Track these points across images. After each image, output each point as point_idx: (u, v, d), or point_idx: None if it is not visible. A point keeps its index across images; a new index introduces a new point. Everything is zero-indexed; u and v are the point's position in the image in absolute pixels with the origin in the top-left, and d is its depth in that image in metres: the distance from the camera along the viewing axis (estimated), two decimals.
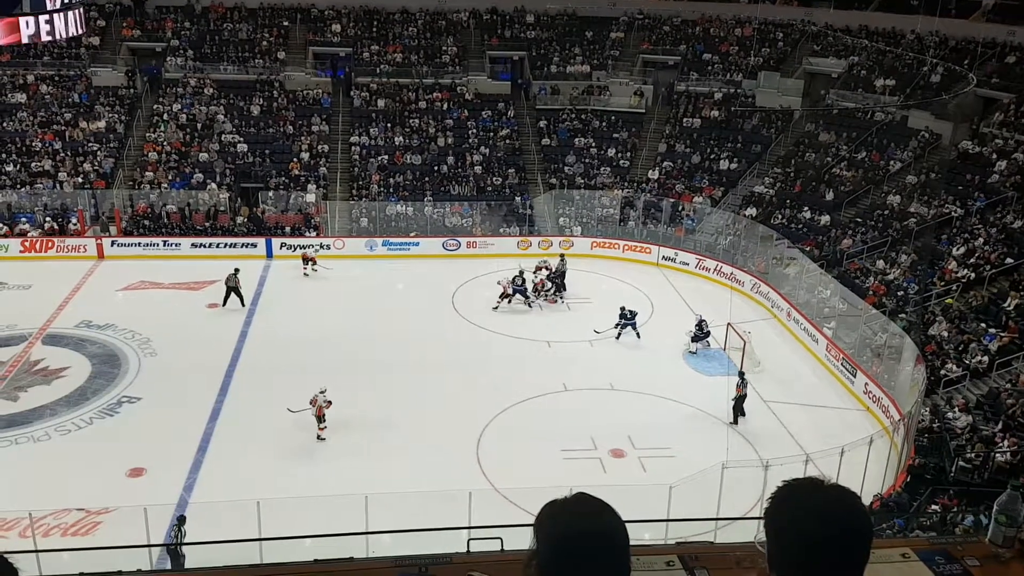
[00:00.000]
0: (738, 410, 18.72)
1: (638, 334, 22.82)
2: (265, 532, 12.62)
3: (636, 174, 33.08)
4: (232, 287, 23.92)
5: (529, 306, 24.93)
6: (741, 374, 19.07)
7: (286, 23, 36.69)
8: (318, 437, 17.67)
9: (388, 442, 17.61)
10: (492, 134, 33.90)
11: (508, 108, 35.04)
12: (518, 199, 31.60)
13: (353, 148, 32.81)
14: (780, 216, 29.31)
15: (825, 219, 28.45)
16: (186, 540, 13.62)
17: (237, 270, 24.17)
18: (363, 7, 37.58)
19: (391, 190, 31.36)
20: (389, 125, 33.55)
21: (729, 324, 22.12)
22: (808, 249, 26.78)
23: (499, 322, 23.65)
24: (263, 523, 12.91)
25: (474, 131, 33.83)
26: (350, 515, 12.84)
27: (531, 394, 19.79)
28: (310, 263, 26.61)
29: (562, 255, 27.14)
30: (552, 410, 19.30)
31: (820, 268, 25.15)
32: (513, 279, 24.92)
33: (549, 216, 31.42)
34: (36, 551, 12.63)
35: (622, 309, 23.08)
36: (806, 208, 29.28)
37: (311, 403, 17.66)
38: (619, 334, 22.86)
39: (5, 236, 27.55)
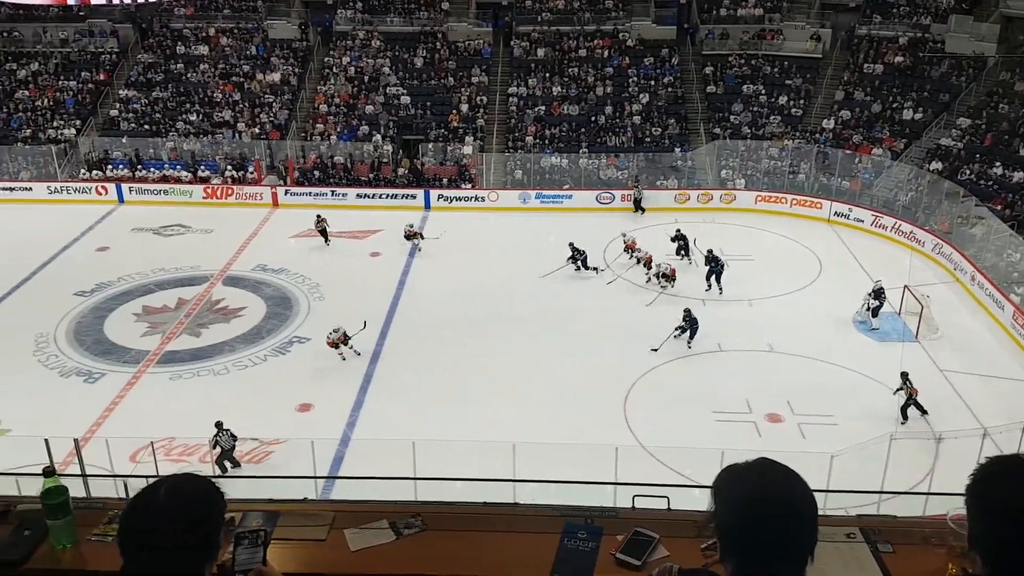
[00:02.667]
0: (907, 412, 16.60)
1: (720, 288, 22.02)
2: (418, 472, 13.01)
3: (809, 123, 31.10)
4: (321, 230, 25.53)
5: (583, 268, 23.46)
6: (904, 375, 16.61)
7: None
8: (342, 357, 18.94)
9: (535, 393, 17.67)
10: (653, 82, 32.83)
11: (672, 54, 33.75)
12: (678, 150, 30.54)
13: (511, 99, 32.75)
14: (968, 171, 26.70)
15: (1019, 176, 25.63)
16: (229, 447, 14.67)
17: (319, 216, 25.81)
18: None
19: (547, 142, 31.14)
20: (547, 75, 33.19)
21: (906, 287, 20.51)
22: (998, 208, 24.28)
23: (654, 277, 23.04)
24: (416, 463, 13.31)
25: (635, 79, 32.86)
26: (495, 462, 12.97)
27: (683, 352, 19.23)
28: (416, 238, 25.23)
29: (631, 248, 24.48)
30: (705, 370, 18.69)
31: (1010, 229, 22.75)
32: (573, 255, 23.36)
33: (710, 168, 30.18)
34: (214, 476, 13.65)
35: (709, 252, 22.35)
36: (997, 163, 26.47)
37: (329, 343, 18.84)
38: (708, 286, 22.28)
39: (190, 183, 29.68)
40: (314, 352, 19.52)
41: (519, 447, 13.16)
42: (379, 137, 31.15)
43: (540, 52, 33.93)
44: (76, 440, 13.26)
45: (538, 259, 23.95)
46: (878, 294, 20.41)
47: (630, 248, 23.81)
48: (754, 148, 30.18)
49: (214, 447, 15.06)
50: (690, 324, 19.21)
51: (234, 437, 15.15)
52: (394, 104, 32.41)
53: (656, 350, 18.90)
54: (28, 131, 31.33)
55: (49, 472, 2.87)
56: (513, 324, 20.73)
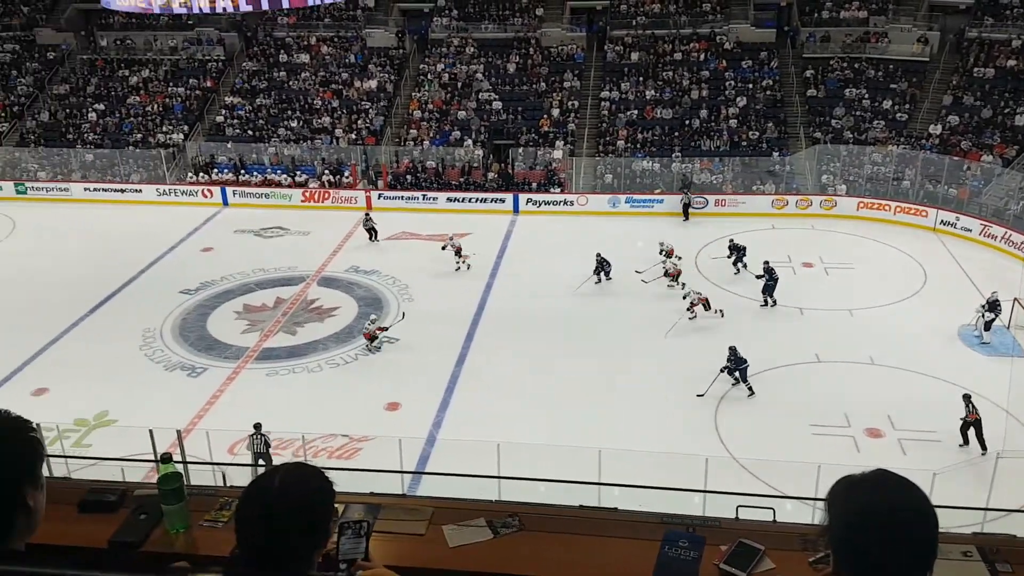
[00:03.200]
0: (967, 435, 15.60)
1: (773, 300, 21.31)
2: (503, 473, 13.01)
3: (915, 128, 29.82)
4: (368, 227, 26.33)
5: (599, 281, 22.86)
6: (967, 398, 15.62)
7: None
8: (370, 350, 19.65)
9: (621, 400, 17.46)
10: (751, 85, 32.11)
11: (771, 57, 32.95)
12: (776, 154, 29.74)
13: (603, 103, 32.59)
14: None
15: None
16: (262, 451, 14.77)
17: (367, 214, 26.79)
18: None
19: (638, 146, 30.83)
20: (641, 79, 32.88)
21: (1016, 300, 19.39)
22: None
23: (748, 287, 22.51)
24: (501, 464, 13.32)
25: (731, 82, 32.21)
26: (580, 467, 12.86)
27: (779, 363, 18.67)
28: (459, 255, 24.18)
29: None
30: (802, 381, 18.10)
31: None
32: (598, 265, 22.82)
33: (810, 173, 29.28)
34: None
35: (766, 264, 21.66)
36: None
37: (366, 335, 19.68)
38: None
39: (289, 187, 30.63)
40: (403, 352, 19.83)
41: (605, 453, 13.02)
42: (470, 142, 31.46)
43: (634, 56, 33.65)
44: (179, 431, 13.81)
45: (626, 263, 23.71)
46: (993, 306, 19.35)
47: (669, 254, 23.28)
48: (856, 153, 29.13)
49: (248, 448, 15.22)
50: (736, 364, 17.56)
51: (268, 444, 15.11)
52: (486, 109, 32.70)
53: (701, 395, 17.44)
54: (139, 135, 32.95)
55: (166, 459, 2.98)
56: (602, 328, 20.59)
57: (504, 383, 18.33)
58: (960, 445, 15.56)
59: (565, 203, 28.94)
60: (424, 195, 29.71)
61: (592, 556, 2.51)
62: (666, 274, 22.58)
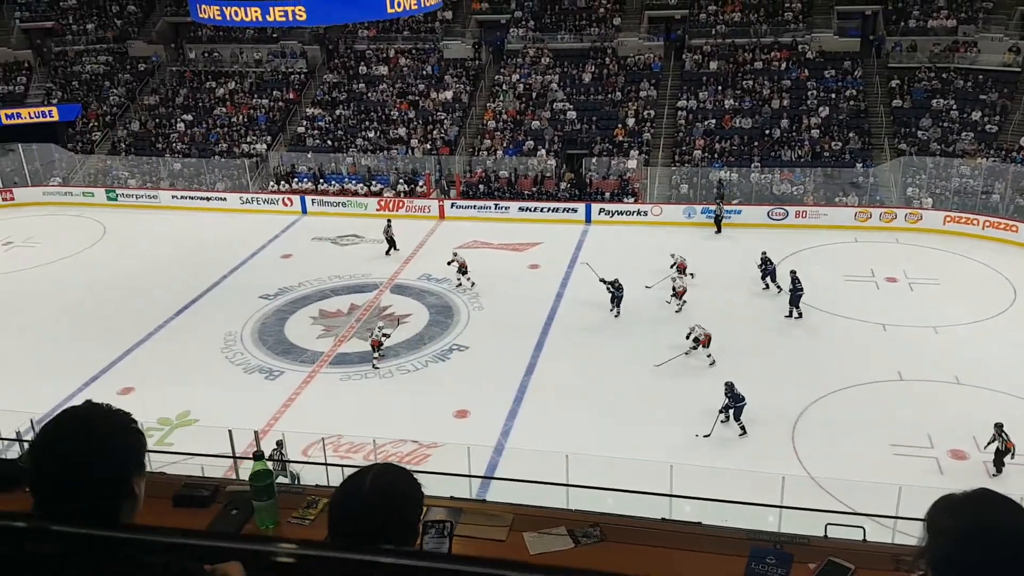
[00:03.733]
0: (999, 464, 14.98)
1: (799, 312, 20.59)
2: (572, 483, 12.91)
3: (1006, 140, 28.57)
4: (389, 237, 26.27)
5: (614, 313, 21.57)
6: (998, 427, 14.93)
7: None
8: (373, 366, 19.59)
9: (695, 414, 17.13)
10: (834, 95, 31.30)
11: (855, 67, 32.07)
12: (859, 166, 28.89)
13: (679, 113, 32.23)
14: None
15: None
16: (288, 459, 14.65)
17: (390, 221, 26.83)
18: None
19: (715, 155, 30.37)
20: (720, 88, 32.42)
21: None
22: None
23: (828, 300, 21.90)
24: (570, 476, 13.21)
25: (814, 92, 31.47)
26: (650, 481, 12.64)
27: (860, 380, 18.07)
28: (463, 272, 23.86)
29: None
30: (883, 400, 17.46)
31: None
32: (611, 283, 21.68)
33: (894, 185, 28.34)
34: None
35: (793, 274, 21.15)
36: None
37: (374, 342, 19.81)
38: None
39: (365, 196, 31.18)
40: (472, 360, 19.92)
41: (678, 468, 12.79)
42: (544, 152, 31.51)
43: (713, 65, 33.21)
44: (256, 432, 14.16)
45: (701, 276, 23.36)
46: None
47: (680, 268, 22.78)
48: (943, 166, 28.08)
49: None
50: (734, 401, 16.51)
51: (281, 464, 14.75)
52: (560, 119, 32.72)
53: (708, 436, 16.49)
54: (224, 145, 34.06)
55: (258, 456, 3.05)
56: (675, 342, 20.25)
57: (573, 393, 18.22)
58: (993, 475, 14.90)
59: (639, 213, 28.69)
60: (496, 204, 29.85)
61: (676, 569, 2.44)
62: (673, 292, 21.88)
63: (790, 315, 21.08)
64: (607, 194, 29.75)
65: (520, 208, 29.57)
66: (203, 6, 17.45)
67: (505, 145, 32.19)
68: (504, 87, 34.30)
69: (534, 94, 33.78)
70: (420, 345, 20.86)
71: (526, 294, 23.53)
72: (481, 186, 30.86)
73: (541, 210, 29.35)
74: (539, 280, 24.41)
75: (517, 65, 34.99)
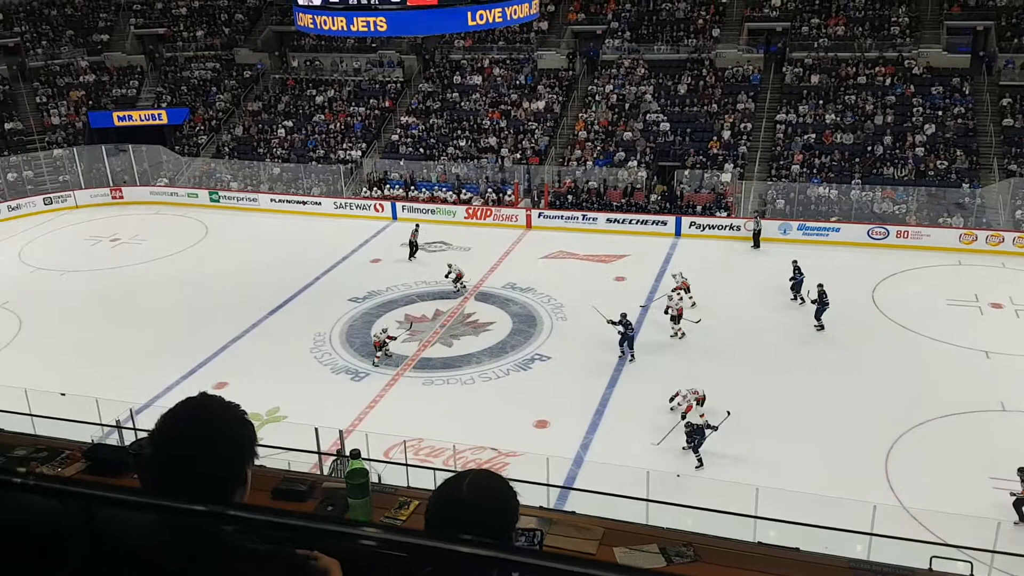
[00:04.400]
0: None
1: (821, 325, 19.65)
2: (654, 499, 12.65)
3: None
4: (413, 242, 26.88)
5: (628, 357, 20.20)
6: (1021, 471, 13.98)
7: (724, 0, 36.32)
8: (377, 359, 20.24)
9: (785, 436, 16.59)
10: (941, 112, 29.97)
11: (964, 83, 30.65)
12: (965, 186, 27.55)
13: (778, 126, 31.43)
14: None
15: None
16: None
17: (418, 226, 27.71)
18: None
19: (814, 171, 29.46)
20: (820, 102, 31.48)
21: None
22: None
23: (928, 324, 20.92)
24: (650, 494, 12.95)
25: (920, 109, 30.20)
26: (731, 501, 12.28)
27: (959, 409, 17.16)
28: (458, 281, 24.34)
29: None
30: (984, 431, 16.54)
31: None
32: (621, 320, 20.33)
33: (1003, 207, 26.90)
34: (453, 472, 14.22)
35: (820, 287, 20.78)
36: None
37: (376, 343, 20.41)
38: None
39: (454, 203, 31.51)
40: (554, 370, 19.80)
41: (763, 491, 12.36)
42: (635, 163, 31.21)
43: (814, 79, 32.30)
44: (341, 431, 14.43)
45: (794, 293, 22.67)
46: None
47: (682, 288, 22.27)
48: None
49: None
50: (700, 438, 15.97)
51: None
52: (653, 130, 32.36)
53: (657, 444, 16.24)
54: (321, 151, 34.99)
55: (355, 455, 3.09)
56: (768, 361, 19.75)
57: (655, 409, 17.88)
58: (1015, 523, 13.85)
59: (731, 228, 28.07)
60: (584, 215, 29.69)
61: None
62: (666, 312, 21.19)
63: (821, 328, 20.95)
64: (699, 207, 29.21)
65: (608, 220, 29.33)
66: (300, 15, 17.98)
67: (595, 156, 32.02)
68: (597, 97, 34.16)
69: (627, 105, 33.52)
70: (502, 353, 20.88)
71: (610, 306, 23.21)
72: (570, 196, 30.77)
73: (630, 222, 29.04)
74: (625, 292, 24.11)
75: (611, 75, 34.80)
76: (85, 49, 39.75)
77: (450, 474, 1.97)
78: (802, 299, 22.19)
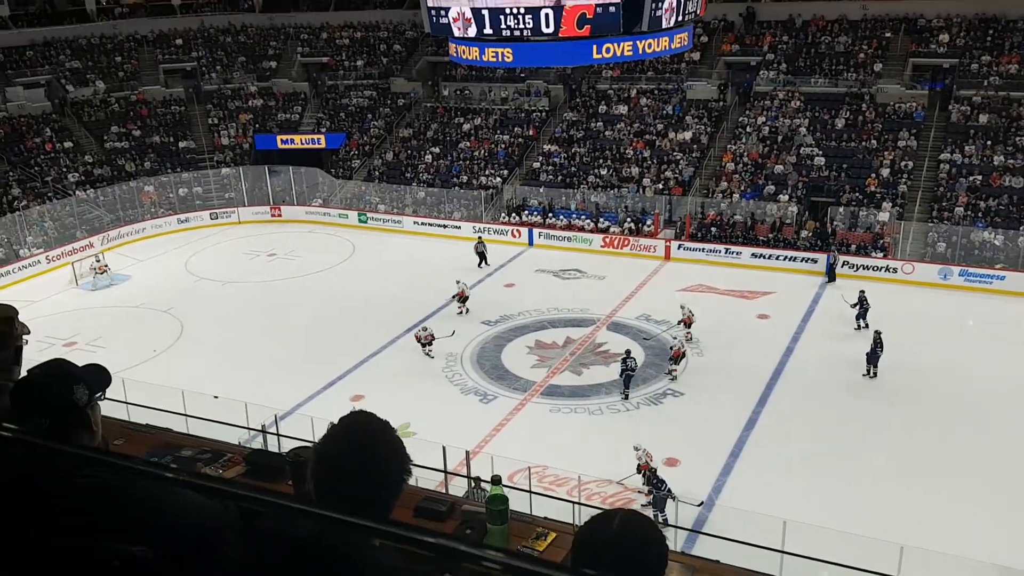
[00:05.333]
0: None
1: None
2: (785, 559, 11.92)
3: None
4: (480, 252, 28.74)
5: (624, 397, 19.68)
6: None
7: (888, 34, 34.73)
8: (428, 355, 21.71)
9: (937, 491, 15.31)
10: None
11: None
12: None
13: (941, 166, 29.53)
14: None
15: None
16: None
17: (481, 238, 29.56)
18: (979, 15, 33.51)
19: (979, 215, 27.40)
20: (989, 143, 29.35)
21: None
22: None
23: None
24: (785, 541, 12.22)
25: None
26: (875, 562, 11.37)
27: None
28: (462, 302, 24.96)
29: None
30: None
31: None
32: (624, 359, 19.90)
33: None
34: (578, 503, 13.97)
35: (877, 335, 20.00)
36: None
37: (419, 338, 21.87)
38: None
39: (591, 231, 31.37)
40: (688, 407, 19.18)
41: (908, 550, 11.41)
42: (785, 197, 30.09)
43: (983, 118, 30.18)
44: (467, 452, 14.48)
45: (954, 341, 21.08)
46: None
47: (686, 323, 22.25)
48: None
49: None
50: (656, 486, 15.16)
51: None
52: (806, 165, 31.14)
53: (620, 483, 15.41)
54: (465, 177, 35.81)
55: (496, 480, 3.03)
56: (920, 407, 18.43)
57: (795, 455, 16.94)
58: None
59: (888, 269, 26.48)
60: (727, 249, 28.82)
61: None
62: (671, 356, 20.49)
63: (867, 373, 20.11)
64: (853, 246, 27.76)
65: (753, 254, 28.34)
66: (452, 45, 18.50)
67: (743, 188, 31.12)
68: (748, 129, 33.27)
69: (780, 137, 32.46)
70: (633, 386, 20.43)
71: (751, 344, 22.39)
72: (713, 229, 29.99)
73: (777, 258, 27.92)
74: (768, 331, 23.17)
75: (764, 107, 33.84)
76: (255, 75, 42.59)
77: (574, 505, 1.85)
78: (866, 325, 22.14)
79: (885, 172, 29.80)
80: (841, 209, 28.93)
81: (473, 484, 14.49)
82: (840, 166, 30.59)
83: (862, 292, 22.85)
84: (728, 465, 16.86)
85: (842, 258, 26.91)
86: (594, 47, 16.83)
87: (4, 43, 40.10)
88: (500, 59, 17.79)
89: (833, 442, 17.38)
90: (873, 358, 20.12)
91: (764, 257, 28.02)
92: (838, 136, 31.71)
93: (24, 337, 2.63)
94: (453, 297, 25.04)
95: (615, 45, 16.86)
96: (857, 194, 29.35)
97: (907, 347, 21.45)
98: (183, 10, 45.47)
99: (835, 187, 29.90)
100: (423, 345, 21.88)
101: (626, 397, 19.73)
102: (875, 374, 20.12)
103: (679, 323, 22.45)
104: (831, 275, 26.45)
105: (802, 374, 20.68)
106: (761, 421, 18.52)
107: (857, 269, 26.82)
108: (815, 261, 27.45)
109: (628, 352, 20.11)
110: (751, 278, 26.78)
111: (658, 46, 17.43)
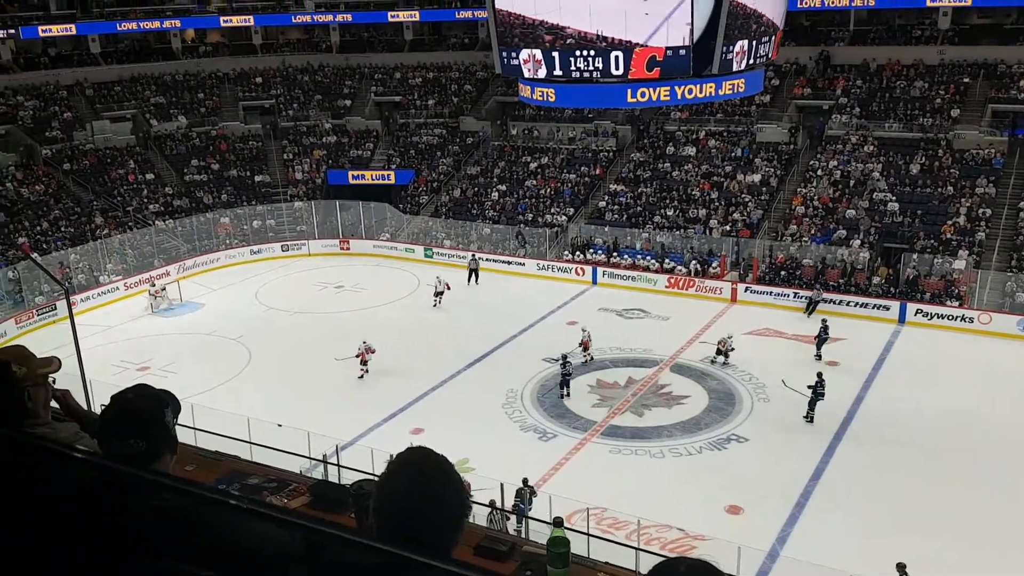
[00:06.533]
0: None
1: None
2: None
3: None
4: (472, 268, 30.89)
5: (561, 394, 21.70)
6: None
7: (966, 79, 33.97)
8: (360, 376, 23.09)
9: (1016, 554, 14.54)
10: None
11: None
12: None
13: (1021, 214, 28.52)
14: None
15: None
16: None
17: (474, 255, 31.82)
18: None
19: None
20: None
21: None
22: None
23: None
24: None
25: None
26: None
27: None
28: (438, 296, 28.90)
29: None
30: None
31: None
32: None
33: None
34: (637, 549, 13.71)
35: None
36: None
37: (357, 355, 23.07)
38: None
39: (656, 271, 31.11)
40: (752, 454, 18.73)
41: None
42: (857, 242, 29.42)
43: None
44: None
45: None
46: None
47: (584, 346, 23.59)
48: None
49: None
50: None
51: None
52: (879, 210, 30.45)
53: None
54: (530, 215, 36.03)
55: (559, 523, 3.03)
56: (997, 464, 17.63)
57: (863, 508, 16.37)
58: None
59: (963, 319, 25.57)
60: (796, 293, 28.25)
61: None
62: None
63: (807, 416, 20.03)
64: (927, 294, 26.92)
65: (796, 295, 27.76)
66: (522, 85, 18.79)
67: (813, 232, 30.55)
68: (819, 173, 32.76)
69: (852, 182, 31.87)
70: (695, 430, 20.07)
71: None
72: (782, 272, 29.45)
73: (848, 304, 27.23)
74: (837, 379, 22.51)
75: (836, 151, 33.32)
76: (330, 112, 43.87)
77: (634, 550, 1.80)
78: (819, 357, 23.14)
79: (961, 219, 28.93)
80: (915, 256, 28.13)
81: (491, 509, 14.44)
82: (915, 212, 29.83)
83: (824, 321, 23.46)
84: (793, 516, 16.39)
85: (826, 295, 27.37)
86: (628, 91, 16.87)
87: (94, 78, 42.28)
88: (544, 98, 18.10)
89: (904, 495, 16.77)
90: (813, 403, 19.95)
91: (834, 303, 27.35)
92: (913, 182, 30.97)
93: (52, 376, 2.67)
94: (435, 295, 28.96)
95: (650, 90, 16.82)
96: (932, 241, 28.53)
97: (983, 402, 20.67)
98: (264, 50, 47.26)
99: (909, 233, 29.14)
100: (362, 359, 23.41)
101: (565, 396, 21.71)
102: (811, 419, 19.98)
103: (579, 345, 23.71)
104: (810, 310, 26.73)
105: (872, 424, 20.03)
106: (828, 471, 17.98)
107: (931, 318, 25.98)
108: (887, 308, 26.69)
109: (565, 356, 21.82)
110: (819, 323, 26.12)
111: (700, 92, 17.09)
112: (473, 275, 31.51)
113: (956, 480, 17.33)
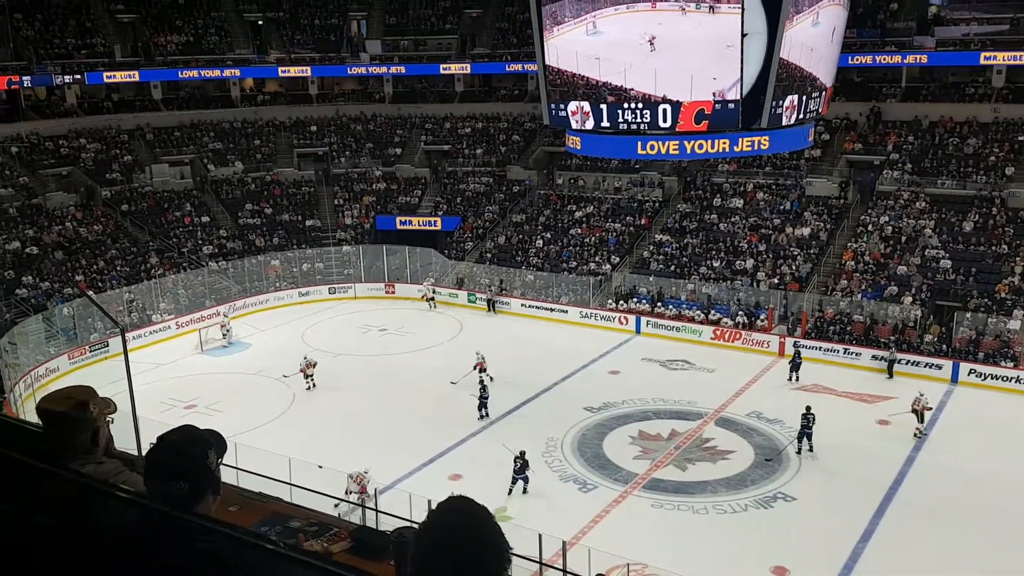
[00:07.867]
0: None
1: None
2: None
3: None
4: (490, 299, 33.59)
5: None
6: None
7: (1021, 138, 33.45)
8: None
9: None
10: None
11: None
12: None
13: None
14: None
15: None
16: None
17: (491, 286, 34.18)
18: None
19: None
20: None
21: None
22: None
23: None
24: None
25: None
26: None
27: None
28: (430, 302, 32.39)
29: None
30: None
31: None
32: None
33: None
34: None
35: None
36: None
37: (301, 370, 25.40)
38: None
39: (701, 323, 30.79)
40: (799, 513, 18.21)
41: None
42: (909, 299, 28.82)
43: None
44: (564, 542, 14.15)
45: None
46: None
47: (479, 368, 25.18)
48: None
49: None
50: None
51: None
52: (931, 267, 29.86)
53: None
54: (574, 263, 36.07)
55: None
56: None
57: (915, 573, 15.75)
58: None
59: (1018, 381, 24.75)
60: (846, 349, 27.67)
61: None
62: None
63: (797, 450, 20.89)
64: (981, 354, 26.17)
65: (873, 356, 27.06)
66: (569, 136, 19.00)
67: (863, 288, 30.03)
68: (870, 228, 32.32)
69: (903, 238, 31.36)
70: (741, 486, 19.62)
71: (870, 451, 21.23)
72: (831, 328, 28.92)
73: (899, 362, 26.57)
74: (888, 438, 21.93)
75: (887, 207, 32.89)
76: (380, 160, 44.72)
77: None
78: (810, 449, 21.00)
79: (1016, 278, 28.20)
80: (968, 315, 27.42)
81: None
82: (968, 270, 29.19)
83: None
84: None
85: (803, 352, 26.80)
86: (639, 143, 16.94)
87: (155, 123, 43.79)
88: (574, 146, 18.45)
89: (956, 561, 16.13)
90: (800, 435, 20.78)
91: (885, 360, 26.71)
92: (966, 239, 30.38)
93: (110, 416, 2.75)
94: (429, 300, 31.44)
95: (660, 143, 16.81)
96: (986, 300, 27.83)
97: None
98: (320, 99, 48.55)
99: (962, 291, 28.47)
100: (305, 374, 25.68)
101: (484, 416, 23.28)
102: (800, 450, 20.85)
103: (474, 367, 25.26)
104: (794, 367, 26.08)
105: (925, 486, 19.39)
106: (878, 533, 17.40)
107: (984, 378, 25.23)
108: (939, 367, 26.00)
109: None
110: (871, 381, 25.60)
111: (712, 148, 16.87)
112: (490, 305, 33.40)
113: (1012, 546, 16.61)
